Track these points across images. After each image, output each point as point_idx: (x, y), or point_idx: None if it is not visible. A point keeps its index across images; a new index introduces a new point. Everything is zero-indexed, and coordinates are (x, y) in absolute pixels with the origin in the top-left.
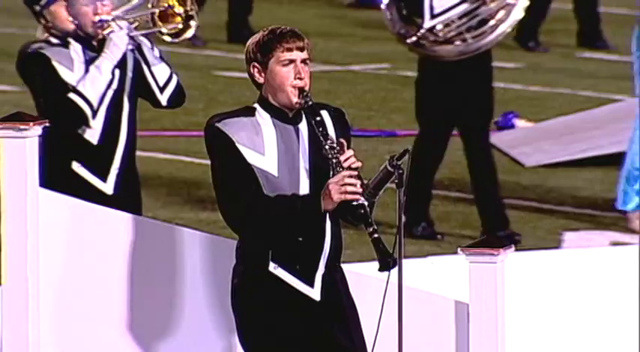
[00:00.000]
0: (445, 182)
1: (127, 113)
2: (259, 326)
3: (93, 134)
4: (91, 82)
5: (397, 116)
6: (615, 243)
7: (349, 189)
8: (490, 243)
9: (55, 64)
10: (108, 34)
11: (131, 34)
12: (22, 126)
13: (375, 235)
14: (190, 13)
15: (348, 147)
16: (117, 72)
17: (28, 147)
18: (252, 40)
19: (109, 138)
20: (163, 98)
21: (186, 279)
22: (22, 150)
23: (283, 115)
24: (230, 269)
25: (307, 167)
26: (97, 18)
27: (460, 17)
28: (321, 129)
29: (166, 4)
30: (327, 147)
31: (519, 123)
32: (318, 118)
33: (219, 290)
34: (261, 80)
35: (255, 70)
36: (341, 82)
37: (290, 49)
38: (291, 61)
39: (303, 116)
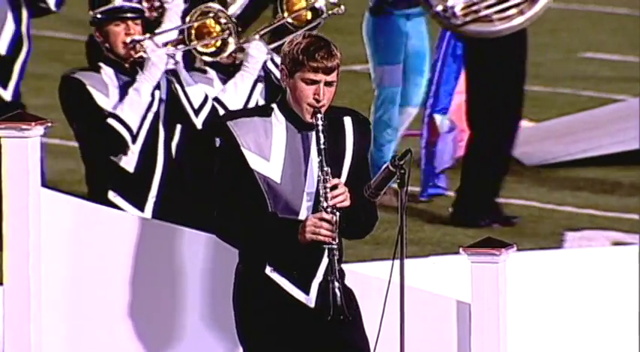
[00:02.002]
0: (448, 181)
1: (162, 138)
2: (255, 327)
3: (129, 161)
4: (129, 105)
5: None
6: (616, 243)
7: (323, 232)
8: (491, 243)
9: (89, 88)
10: (141, 56)
11: (168, 53)
12: (23, 126)
13: (336, 284)
14: (226, 28)
15: (364, 158)
16: (156, 93)
17: (30, 147)
18: (289, 43)
19: (146, 165)
20: (199, 121)
21: (190, 279)
22: (24, 150)
23: (299, 120)
24: (234, 269)
25: (314, 176)
26: (128, 39)
27: None
28: (321, 159)
29: (203, 21)
30: (321, 178)
31: (521, 123)
32: (323, 146)
33: (223, 290)
34: (284, 84)
35: (283, 73)
36: (343, 82)
37: (316, 70)
38: (314, 82)
39: (319, 121)
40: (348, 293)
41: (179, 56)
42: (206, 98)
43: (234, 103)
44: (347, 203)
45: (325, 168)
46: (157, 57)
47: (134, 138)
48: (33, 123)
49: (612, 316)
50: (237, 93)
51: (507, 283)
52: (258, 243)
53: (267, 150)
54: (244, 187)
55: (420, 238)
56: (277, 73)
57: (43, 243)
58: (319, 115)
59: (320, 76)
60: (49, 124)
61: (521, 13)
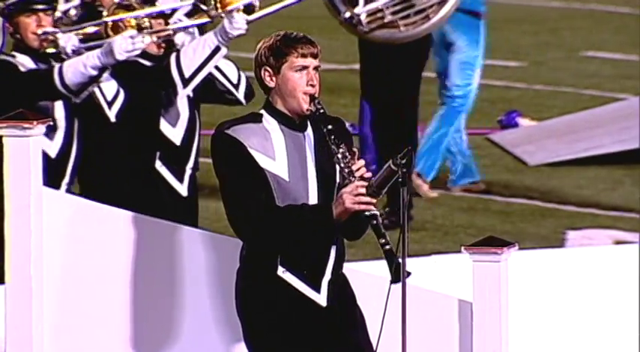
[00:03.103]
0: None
1: (77, 128)
2: (267, 329)
3: (52, 147)
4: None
5: None
6: (618, 242)
7: (363, 199)
8: (493, 242)
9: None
10: (47, 48)
11: (75, 49)
12: (25, 125)
13: (387, 247)
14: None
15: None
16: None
17: (32, 145)
18: (264, 44)
19: (65, 152)
20: (112, 114)
21: (189, 278)
22: (25, 149)
23: (290, 122)
24: (233, 267)
25: (316, 173)
26: (40, 30)
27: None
28: (333, 137)
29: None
30: (339, 156)
31: (523, 122)
32: (330, 126)
33: (221, 288)
34: (271, 84)
35: (266, 73)
36: (344, 81)
37: (304, 56)
38: (304, 68)
39: (309, 123)
40: (351, 296)
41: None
42: (118, 90)
43: (189, 66)
44: (369, 173)
45: (341, 146)
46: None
47: (68, 92)
48: (34, 122)
49: (613, 315)
50: (194, 56)
51: (509, 282)
52: (301, 232)
53: (271, 151)
54: (260, 186)
55: (421, 237)
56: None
57: (44, 242)
58: (317, 101)
59: (309, 61)
60: (51, 123)
61: (427, 18)
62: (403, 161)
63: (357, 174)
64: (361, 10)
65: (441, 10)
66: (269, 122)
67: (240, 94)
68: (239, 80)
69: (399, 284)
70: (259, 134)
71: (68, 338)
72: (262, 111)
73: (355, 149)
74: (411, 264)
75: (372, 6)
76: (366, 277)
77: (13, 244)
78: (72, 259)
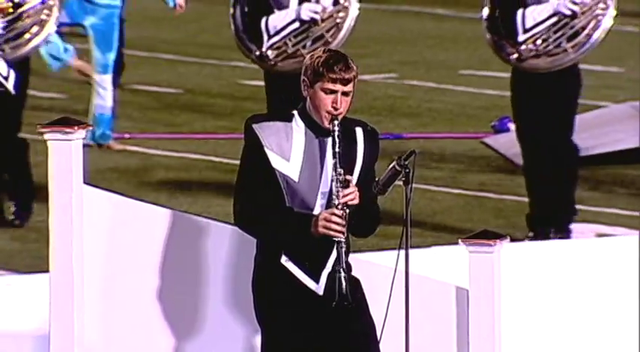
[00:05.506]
0: (448, 179)
1: None
2: (271, 311)
3: None
4: None
5: (404, 121)
6: (600, 235)
7: (333, 227)
8: (487, 235)
9: None
10: None
11: None
12: (67, 130)
13: (339, 274)
14: None
15: (373, 165)
16: None
17: (74, 148)
18: (311, 57)
19: None
20: None
21: (216, 268)
22: (67, 151)
23: (317, 127)
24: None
25: (327, 177)
26: None
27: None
28: (335, 161)
29: None
30: (334, 178)
31: (513, 127)
32: (337, 149)
33: (245, 278)
34: (305, 93)
35: (304, 83)
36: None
37: (334, 81)
38: (333, 92)
39: (336, 127)
40: (354, 283)
41: None
42: None
43: None
44: (356, 201)
45: (339, 170)
46: None
47: None
48: (76, 127)
49: (609, 304)
50: None
51: (502, 271)
52: (275, 233)
53: (288, 152)
54: (266, 183)
55: (422, 230)
56: None
57: (85, 235)
58: (336, 122)
59: (338, 87)
60: (91, 128)
61: (327, 43)
62: (407, 162)
63: (342, 200)
64: (266, 46)
65: (340, 34)
66: (298, 124)
67: (10, 85)
68: (9, 73)
69: (403, 274)
70: (281, 134)
71: (105, 322)
72: (295, 112)
73: (350, 177)
74: (414, 254)
75: (273, 40)
76: (372, 266)
77: (56, 237)
78: (110, 251)
